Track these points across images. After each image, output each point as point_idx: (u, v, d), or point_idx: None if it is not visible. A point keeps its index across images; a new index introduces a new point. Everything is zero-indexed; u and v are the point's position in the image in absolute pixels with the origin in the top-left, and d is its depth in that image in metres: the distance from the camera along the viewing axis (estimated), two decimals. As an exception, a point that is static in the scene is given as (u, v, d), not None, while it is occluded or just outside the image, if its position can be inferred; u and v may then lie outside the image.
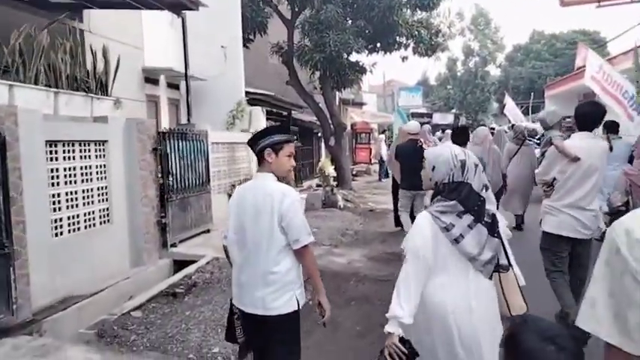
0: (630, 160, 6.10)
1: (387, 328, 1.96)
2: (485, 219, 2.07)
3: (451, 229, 2.03)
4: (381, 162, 16.23)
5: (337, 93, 19.76)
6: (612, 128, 7.58)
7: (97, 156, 5.14)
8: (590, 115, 3.58)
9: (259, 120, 9.70)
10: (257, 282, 2.39)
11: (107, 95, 5.85)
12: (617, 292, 1.14)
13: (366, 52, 12.83)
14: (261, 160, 2.47)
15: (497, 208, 2.37)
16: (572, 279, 3.70)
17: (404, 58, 13.04)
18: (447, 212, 2.07)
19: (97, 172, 5.13)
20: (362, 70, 13.04)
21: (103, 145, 5.22)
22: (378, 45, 12.71)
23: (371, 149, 21.23)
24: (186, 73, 7.80)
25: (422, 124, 8.29)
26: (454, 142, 5.14)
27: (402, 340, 1.95)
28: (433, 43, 12.24)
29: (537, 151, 8.27)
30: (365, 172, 18.63)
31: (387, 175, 16.21)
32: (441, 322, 2.04)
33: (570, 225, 3.57)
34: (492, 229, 2.08)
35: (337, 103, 20.87)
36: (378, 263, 6.05)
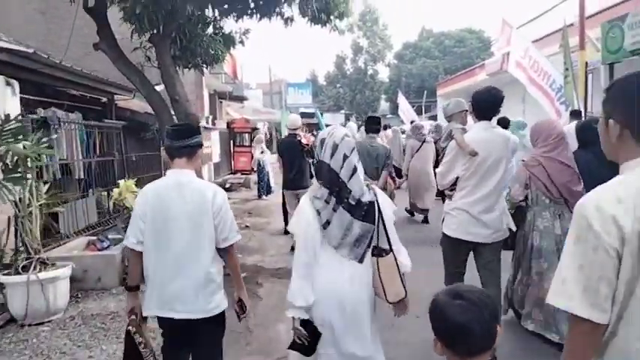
0: None
1: (288, 314, 2.10)
2: (350, 201, 2.07)
3: (321, 214, 2.09)
4: (260, 171, 11.87)
5: (203, 80, 15.09)
6: (503, 124, 7.60)
7: None
8: (488, 102, 3.34)
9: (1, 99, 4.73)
10: (196, 285, 2.29)
11: None
12: (588, 267, 1.22)
13: (234, 14, 8.53)
14: (190, 154, 2.37)
15: None
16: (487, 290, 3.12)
17: (288, 20, 8.84)
18: (318, 198, 2.12)
19: None
20: (228, 40, 8.67)
21: None
22: (252, 4, 8.43)
23: (252, 154, 16.90)
24: None
25: (310, 125, 8.48)
26: (365, 128, 5.71)
27: (303, 322, 2.08)
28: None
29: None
30: (243, 184, 14.14)
31: (269, 191, 11.97)
32: (322, 305, 2.08)
33: (471, 228, 3.30)
34: (356, 212, 2.07)
35: (206, 92, 16.18)
36: None
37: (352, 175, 2.06)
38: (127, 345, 2.36)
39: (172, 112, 7.55)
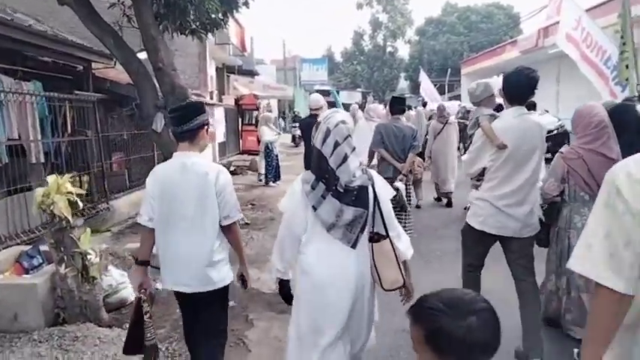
0: None
1: (273, 275, 2.32)
2: (338, 188, 2.04)
3: (308, 197, 2.09)
4: (268, 154, 10.50)
5: (207, 51, 13.69)
6: (531, 110, 7.29)
7: None
8: (521, 84, 3.00)
9: None
10: (204, 260, 2.41)
11: None
12: (615, 233, 1.19)
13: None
14: (192, 137, 2.43)
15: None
16: (521, 294, 3.09)
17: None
18: (307, 182, 2.11)
19: None
20: (229, 0, 7.28)
21: None
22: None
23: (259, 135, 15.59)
24: None
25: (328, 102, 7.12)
26: (390, 109, 5.62)
27: (281, 282, 2.27)
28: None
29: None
30: (249, 167, 12.83)
31: (278, 176, 10.66)
32: (319, 287, 2.09)
33: (499, 221, 3.02)
34: (345, 198, 2.04)
35: (212, 65, 14.77)
36: None
37: (342, 163, 2.04)
38: (135, 311, 2.46)
39: (156, 83, 6.24)
